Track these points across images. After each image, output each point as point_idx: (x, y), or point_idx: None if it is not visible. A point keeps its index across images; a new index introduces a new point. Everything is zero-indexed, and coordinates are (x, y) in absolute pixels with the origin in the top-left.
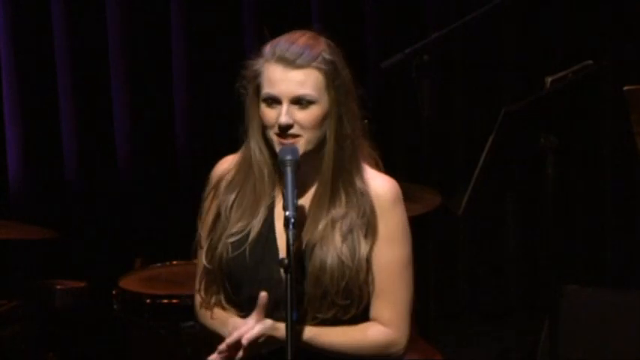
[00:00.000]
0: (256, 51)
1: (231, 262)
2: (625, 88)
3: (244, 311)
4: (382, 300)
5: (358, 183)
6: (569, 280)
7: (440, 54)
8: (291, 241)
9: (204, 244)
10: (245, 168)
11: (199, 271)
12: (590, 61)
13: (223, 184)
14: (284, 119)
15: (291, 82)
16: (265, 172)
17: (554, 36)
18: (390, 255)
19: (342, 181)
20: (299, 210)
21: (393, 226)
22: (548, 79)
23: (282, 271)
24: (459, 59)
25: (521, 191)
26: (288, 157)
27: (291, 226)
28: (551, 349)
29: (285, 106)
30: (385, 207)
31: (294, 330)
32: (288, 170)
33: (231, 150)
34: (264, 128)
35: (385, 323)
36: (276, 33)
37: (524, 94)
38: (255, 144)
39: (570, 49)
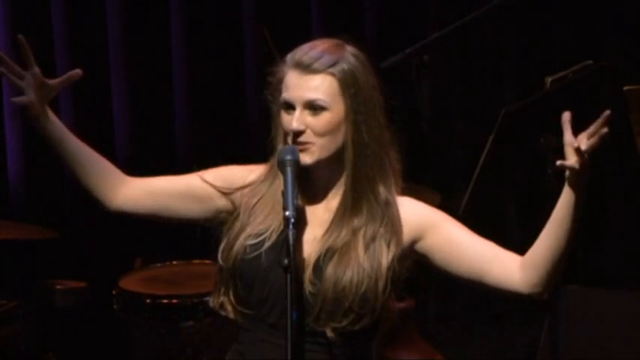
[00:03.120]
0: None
1: (246, 263)
2: (625, 88)
3: (254, 310)
4: (496, 250)
5: (382, 192)
6: (569, 280)
7: (440, 54)
8: (291, 241)
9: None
10: (272, 175)
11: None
12: (590, 61)
13: (248, 189)
14: (295, 125)
15: (305, 87)
16: None
17: (554, 36)
18: (457, 228)
19: (364, 190)
20: (319, 218)
21: (433, 213)
22: (548, 79)
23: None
24: (459, 59)
25: (521, 191)
26: (288, 157)
27: (290, 226)
28: (551, 349)
29: (297, 112)
30: (416, 217)
31: None
32: (288, 170)
33: (231, 150)
34: (286, 135)
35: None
36: (276, 33)
37: (524, 94)
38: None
39: (570, 49)
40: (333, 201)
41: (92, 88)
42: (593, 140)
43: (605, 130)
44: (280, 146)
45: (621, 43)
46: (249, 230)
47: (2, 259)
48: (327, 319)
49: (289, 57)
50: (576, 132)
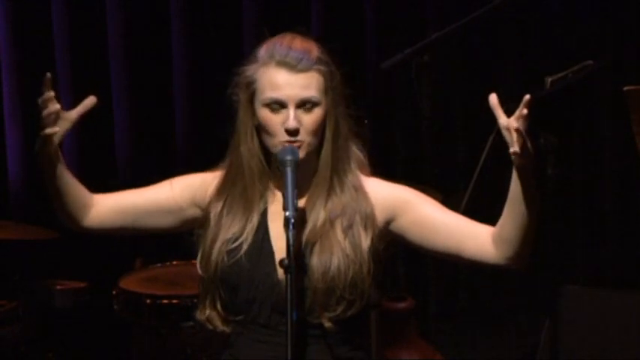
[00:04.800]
0: (249, 57)
1: (228, 269)
2: (625, 88)
3: (241, 314)
4: (469, 225)
5: (351, 178)
6: (569, 280)
7: (440, 54)
8: (291, 241)
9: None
10: (232, 175)
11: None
12: (590, 61)
13: (209, 193)
14: (293, 123)
15: (297, 86)
16: (256, 176)
17: (554, 36)
18: (430, 205)
19: (337, 179)
20: (297, 210)
21: (404, 192)
22: (548, 79)
23: (279, 272)
24: (459, 59)
25: None
26: (289, 157)
27: (291, 227)
28: (551, 349)
29: (292, 111)
30: (387, 197)
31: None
32: (288, 170)
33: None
34: (259, 134)
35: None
36: (276, 33)
37: (524, 94)
38: (245, 149)
39: (570, 49)
40: (306, 195)
41: (92, 88)
42: (520, 122)
43: (524, 111)
44: (247, 145)
45: (621, 43)
46: (223, 236)
47: (2, 259)
48: (321, 310)
49: (265, 56)
50: (575, 132)
